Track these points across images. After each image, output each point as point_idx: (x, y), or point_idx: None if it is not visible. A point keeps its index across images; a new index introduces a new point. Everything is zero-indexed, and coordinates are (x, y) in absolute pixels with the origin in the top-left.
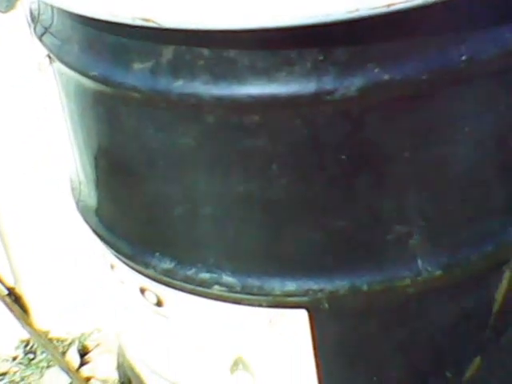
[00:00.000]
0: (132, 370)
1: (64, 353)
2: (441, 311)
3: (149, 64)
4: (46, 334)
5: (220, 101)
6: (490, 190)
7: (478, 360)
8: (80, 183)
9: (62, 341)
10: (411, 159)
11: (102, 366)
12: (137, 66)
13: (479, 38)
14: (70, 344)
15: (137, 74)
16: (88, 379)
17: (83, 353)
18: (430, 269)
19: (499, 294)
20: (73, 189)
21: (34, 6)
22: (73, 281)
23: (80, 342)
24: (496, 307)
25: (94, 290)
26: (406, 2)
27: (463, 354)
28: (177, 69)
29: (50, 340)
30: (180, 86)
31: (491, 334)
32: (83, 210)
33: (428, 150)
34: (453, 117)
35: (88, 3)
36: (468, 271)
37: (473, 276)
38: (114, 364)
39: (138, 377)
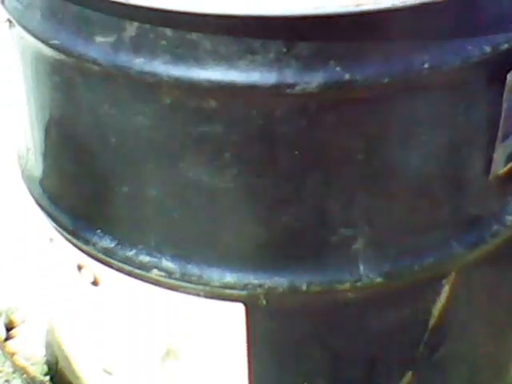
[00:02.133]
0: (61, 349)
1: None
2: (378, 319)
3: (111, 38)
4: None
5: (178, 82)
6: (438, 201)
7: (409, 375)
8: (28, 151)
9: None
10: (363, 162)
11: (27, 343)
12: (99, 39)
13: (442, 49)
14: None
15: (98, 47)
16: (12, 354)
17: (9, 327)
18: (370, 275)
19: (436, 309)
20: (19, 156)
21: None
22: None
23: (7, 315)
24: (432, 322)
25: (25, 263)
26: (374, 3)
27: (395, 368)
28: (138, 46)
29: None
30: (140, 63)
31: (425, 349)
32: (28, 180)
33: (381, 155)
34: (410, 123)
35: None
36: (408, 281)
37: (413, 287)
38: (42, 341)
39: (66, 358)
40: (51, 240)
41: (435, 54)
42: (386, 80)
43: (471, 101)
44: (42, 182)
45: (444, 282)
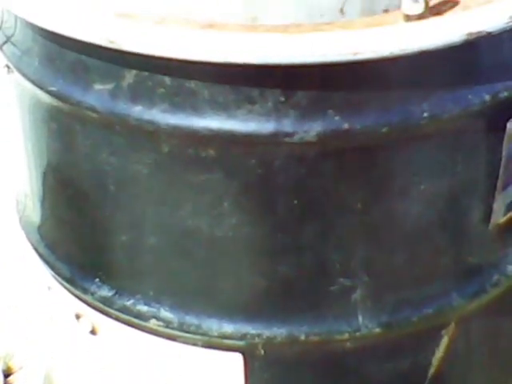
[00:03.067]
0: None
1: None
2: (377, 369)
3: (109, 86)
4: None
5: (176, 131)
6: (437, 251)
7: None
8: (26, 197)
9: None
10: (362, 211)
11: None
12: (97, 86)
13: (442, 97)
14: None
15: (96, 95)
16: None
17: (7, 374)
18: (369, 325)
19: (435, 359)
20: (18, 202)
21: None
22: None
23: (5, 362)
24: (431, 372)
25: (25, 309)
26: (372, 52)
27: None
28: (137, 94)
29: None
30: (138, 111)
31: None
32: (26, 226)
33: (380, 204)
34: (409, 172)
35: (51, 17)
36: (407, 332)
37: (411, 337)
38: None
39: None
40: (49, 288)
41: (435, 102)
42: (384, 129)
43: (471, 149)
44: (39, 229)
45: (443, 332)
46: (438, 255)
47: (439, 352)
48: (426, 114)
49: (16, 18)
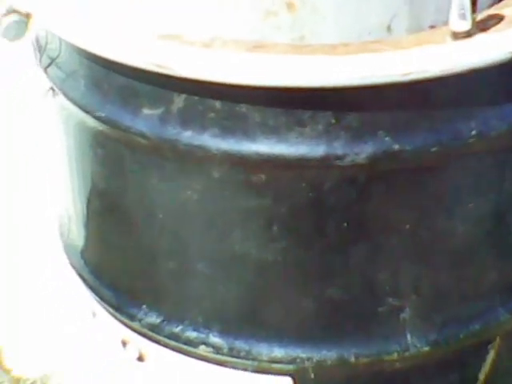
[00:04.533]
0: None
1: None
2: None
3: (159, 110)
4: (8, 371)
5: (227, 156)
6: (484, 268)
7: None
8: (69, 220)
9: (24, 380)
10: (411, 232)
11: None
12: (146, 111)
13: (490, 115)
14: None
15: (145, 120)
16: None
17: None
18: (418, 345)
19: (482, 374)
20: (61, 225)
21: (42, 34)
22: (40, 319)
23: (42, 382)
24: None
25: (65, 331)
26: (421, 72)
27: None
28: (187, 119)
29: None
30: (188, 136)
31: None
32: (69, 250)
33: (429, 224)
34: (458, 191)
35: (97, 40)
36: (455, 348)
37: (459, 353)
38: None
39: None
40: (94, 314)
41: (482, 120)
42: (434, 149)
43: None
44: (83, 254)
45: (489, 347)
46: (485, 272)
47: (486, 367)
48: (474, 132)
49: (60, 39)
